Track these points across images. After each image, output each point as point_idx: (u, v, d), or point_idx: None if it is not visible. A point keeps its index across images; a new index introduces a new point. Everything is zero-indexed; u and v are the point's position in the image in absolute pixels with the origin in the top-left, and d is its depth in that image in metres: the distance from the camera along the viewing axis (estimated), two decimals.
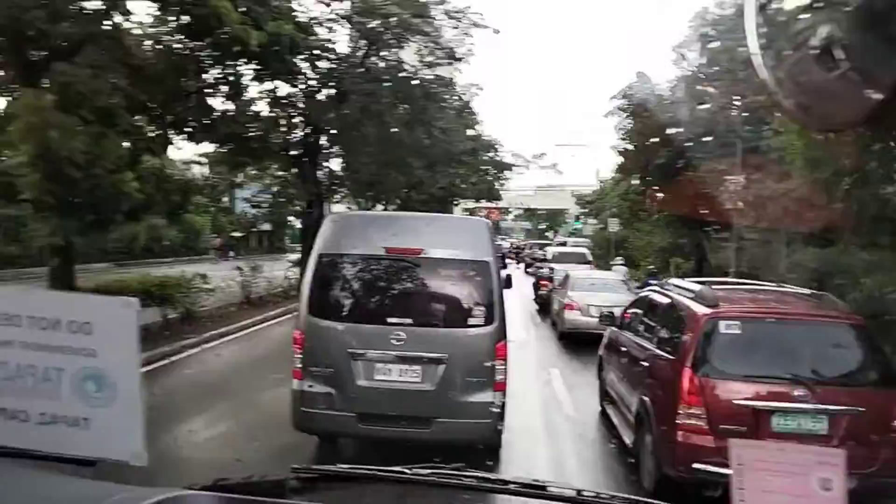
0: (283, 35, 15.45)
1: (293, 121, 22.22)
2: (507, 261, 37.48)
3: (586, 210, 45.53)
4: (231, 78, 17.66)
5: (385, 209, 33.73)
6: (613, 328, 8.92)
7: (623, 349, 7.92)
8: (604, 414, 8.73)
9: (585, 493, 1.77)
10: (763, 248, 18.20)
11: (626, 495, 1.98)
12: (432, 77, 22.68)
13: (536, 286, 22.49)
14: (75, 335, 1.55)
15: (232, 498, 1.62)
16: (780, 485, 1.54)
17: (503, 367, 6.46)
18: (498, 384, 6.42)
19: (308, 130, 22.48)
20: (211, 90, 17.44)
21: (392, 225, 7.46)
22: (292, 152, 22.98)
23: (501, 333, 6.56)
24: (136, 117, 14.71)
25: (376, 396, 6.39)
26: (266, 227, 47.31)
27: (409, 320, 6.54)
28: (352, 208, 29.96)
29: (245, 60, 16.39)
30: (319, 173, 24.09)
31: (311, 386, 6.48)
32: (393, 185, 27.96)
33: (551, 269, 22.13)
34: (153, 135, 15.90)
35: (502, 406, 6.48)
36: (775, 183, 15.20)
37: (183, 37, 14.51)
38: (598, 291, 15.73)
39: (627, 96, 25.88)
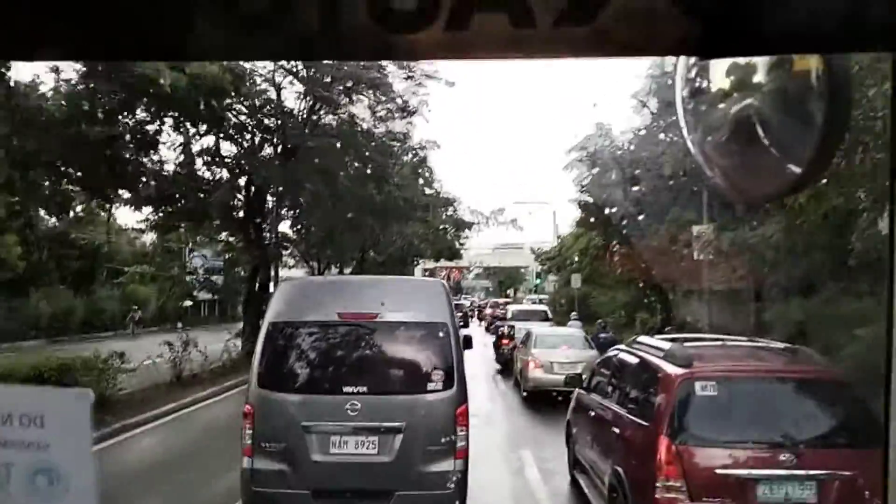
0: (207, 77, 14.18)
1: (239, 181, 21.38)
2: (469, 320, 37.94)
3: (546, 266, 45.19)
4: (146, 127, 16.30)
5: (340, 272, 33.28)
6: (581, 391, 8.61)
7: (592, 414, 7.63)
8: (574, 483, 8.41)
9: None
10: (734, 302, 17.73)
11: None
12: (385, 132, 22.48)
13: (497, 345, 22.55)
14: (27, 429, 1.56)
15: None
16: None
17: (464, 433, 6.32)
18: (459, 451, 6.24)
19: (252, 190, 21.72)
20: (122, 141, 15.98)
21: (345, 289, 7.40)
22: (239, 214, 22.08)
23: (462, 397, 6.42)
24: (25, 171, 13.12)
25: (332, 471, 6.21)
26: (211, 295, 47.00)
27: (364, 388, 6.37)
28: (306, 272, 29.57)
29: (160, 107, 15.09)
30: (267, 235, 23.31)
31: (261, 462, 6.26)
32: (346, 244, 27.44)
33: (511, 326, 22.32)
34: (47, 192, 14.75)
35: (465, 474, 6.32)
36: (748, 231, 14.78)
37: (81, 77, 13.05)
38: (562, 349, 15.89)
39: (585, 148, 25.87)
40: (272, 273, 23.46)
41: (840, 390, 5.32)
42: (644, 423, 5.64)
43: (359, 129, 21.12)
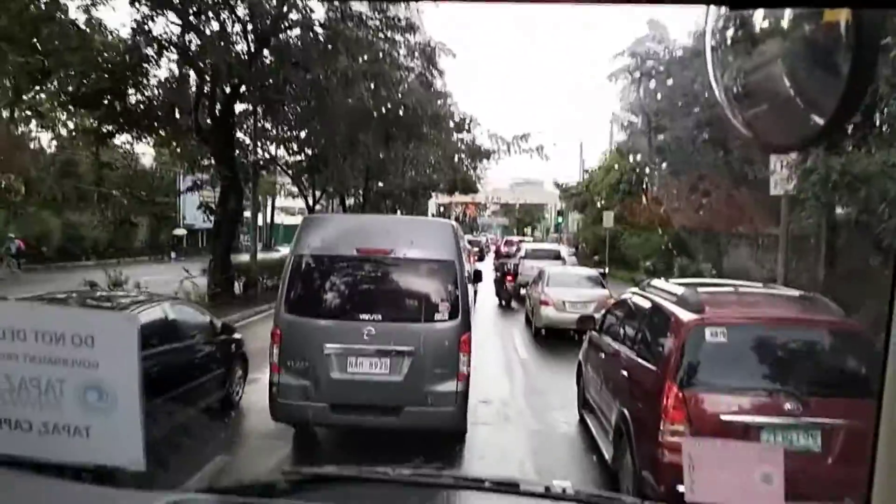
0: None
1: (201, 82, 18.20)
2: (486, 254, 37.71)
3: (570, 203, 42.78)
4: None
5: (342, 204, 31.90)
6: (594, 332, 8.87)
7: (602, 355, 7.92)
8: (583, 422, 8.71)
9: (554, 489, 2.01)
10: (812, 250, 15.92)
11: (592, 491, 2.37)
12: (381, 18, 18.86)
13: (500, 282, 23.23)
14: (78, 348, 1.69)
15: (227, 500, 1.86)
16: (726, 478, 1.78)
17: (466, 358, 7.36)
18: (461, 374, 7.30)
19: (217, 92, 18.48)
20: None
21: (363, 227, 8.49)
22: (193, 121, 18.99)
23: (465, 327, 7.46)
24: None
25: (348, 388, 7.25)
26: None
27: (378, 316, 7.41)
28: (316, 209, 28.65)
29: None
30: (239, 152, 20.87)
31: (287, 378, 7.33)
32: (344, 170, 25.33)
33: (515, 264, 23.60)
34: None
35: (466, 394, 7.42)
36: (868, 157, 12.38)
37: None
38: (574, 287, 16.63)
39: (636, 54, 22.67)
40: (259, 200, 22.77)
41: (853, 340, 5.44)
42: (652, 366, 5.84)
43: (350, 16, 17.76)
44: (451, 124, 25.83)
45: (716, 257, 21.60)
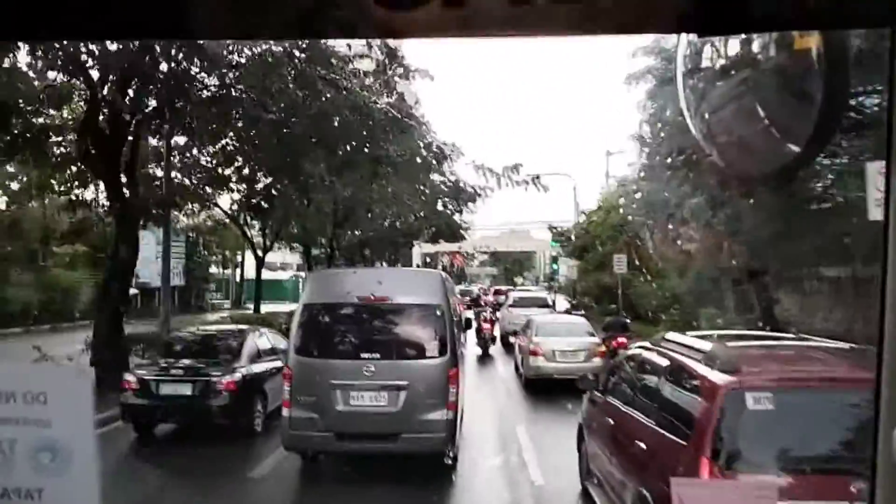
0: None
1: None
2: (482, 302, 36.32)
3: (566, 249, 40.64)
4: None
5: (307, 256, 30.48)
6: (596, 393, 8.27)
7: (610, 421, 7.33)
8: (586, 494, 8.16)
9: None
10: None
11: None
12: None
13: (478, 330, 23.10)
14: (30, 406, 1.69)
15: None
16: None
17: (455, 390, 8.76)
18: (450, 404, 8.66)
19: (100, 98, 14.84)
20: None
21: (362, 278, 10.20)
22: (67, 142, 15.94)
23: (453, 362, 8.90)
24: None
25: (352, 418, 8.63)
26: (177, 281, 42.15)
27: (377, 355, 8.85)
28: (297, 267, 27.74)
29: None
30: (126, 178, 16.39)
31: (297, 412, 8.75)
32: (295, 208, 22.44)
33: (492, 311, 25.43)
34: None
35: (455, 421, 8.82)
36: None
37: None
38: (564, 336, 16.82)
39: (663, 51, 18.73)
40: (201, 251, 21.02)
41: None
42: (679, 440, 4.98)
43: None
44: (427, 151, 21.17)
45: (757, 306, 18.22)
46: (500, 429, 12.62)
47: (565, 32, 0.99)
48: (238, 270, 50.31)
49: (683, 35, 1.15)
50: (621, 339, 17.33)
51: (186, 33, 1.17)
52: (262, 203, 22.77)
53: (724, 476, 4.47)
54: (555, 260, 42.73)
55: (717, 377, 4.99)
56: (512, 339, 21.55)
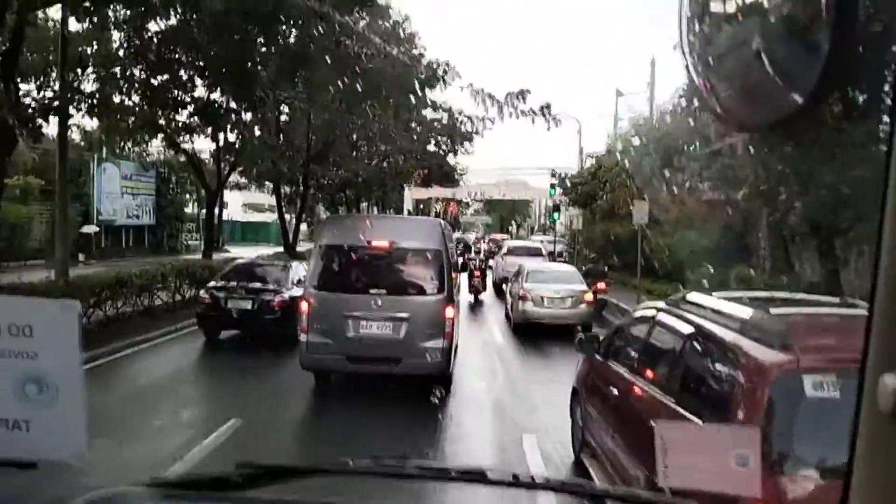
0: None
1: None
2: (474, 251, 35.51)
3: (570, 196, 37.34)
4: None
5: (278, 194, 28.71)
6: (597, 356, 7.53)
7: (613, 390, 6.62)
8: (580, 465, 7.56)
9: (521, 478, 2.10)
10: None
11: (560, 479, 2.79)
12: None
13: (470, 276, 24.00)
14: (15, 338, 1.73)
15: (173, 493, 1.93)
16: (700, 462, 1.88)
17: (450, 322, 10.38)
18: (446, 334, 10.27)
19: None
20: None
21: (372, 223, 11.66)
22: None
23: (450, 299, 10.57)
24: None
25: (361, 343, 10.22)
26: (136, 220, 38.79)
27: (383, 291, 10.39)
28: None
29: None
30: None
31: (313, 337, 10.35)
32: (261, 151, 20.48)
33: (483, 260, 25.79)
34: None
35: (450, 349, 10.44)
36: None
37: None
38: (552, 283, 17.61)
39: None
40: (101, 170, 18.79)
41: None
42: None
43: None
44: (413, 65, 18.35)
45: (819, 268, 15.91)
46: (489, 371, 13.68)
47: None
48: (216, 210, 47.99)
49: None
50: (601, 286, 19.43)
51: None
52: (202, 121, 19.33)
53: (773, 480, 3.53)
54: (555, 209, 39.94)
55: (765, 354, 4.01)
56: (504, 287, 22.69)
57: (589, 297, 17.32)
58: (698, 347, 5.08)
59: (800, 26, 1.05)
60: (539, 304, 16.88)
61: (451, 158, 29.81)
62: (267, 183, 31.66)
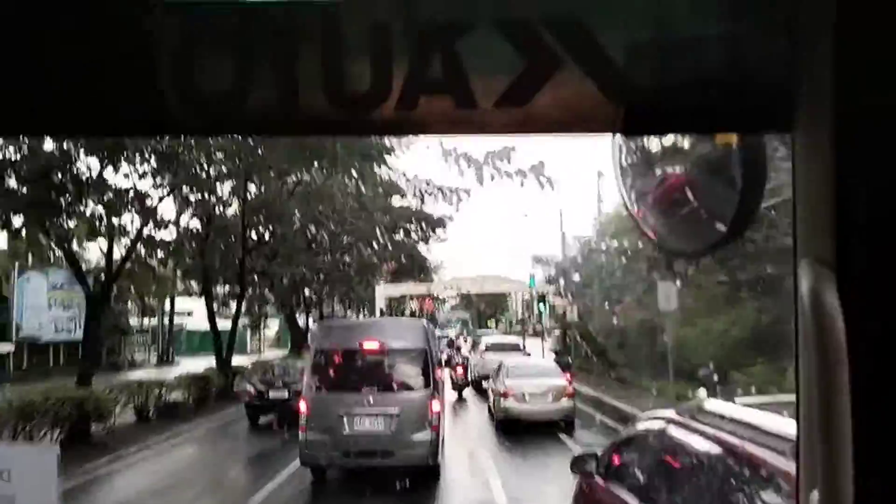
0: None
1: None
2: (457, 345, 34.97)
3: (552, 284, 36.14)
4: None
5: (209, 296, 26.99)
6: (597, 477, 6.56)
7: None
8: None
9: None
10: None
11: None
12: None
13: (452, 374, 25.01)
14: None
15: None
16: None
17: (437, 415, 11.92)
18: (433, 426, 11.74)
19: None
20: None
21: (362, 327, 15.04)
22: None
23: (434, 394, 12.16)
24: None
25: (355, 439, 11.70)
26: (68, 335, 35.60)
27: (375, 388, 11.88)
28: None
29: None
30: None
31: (312, 435, 11.83)
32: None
33: (465, 357, 27.16)
34: None
35: (437, 440, 11.98)
36: None
37: None
38: (533, 377, 18.39)
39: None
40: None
41: None
42: None
43: None
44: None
45: None
46: (472, 469, 14.55)
47: (507, 133, 1.18)
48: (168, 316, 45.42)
49: (616, 136, 1.31)
50: (566, 377, 19.71)
51: (147, 130, 1.76)
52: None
53: None
54: (541, 298, 38.20)
55: None
56: (485, 384, 23.26)
57: (570, 390, 18.29)
58: (730, 471, 4.14)
59: (716, 165, 1.21)
60: (521, 399, 17.65)
61: (423, 248, 28.02)
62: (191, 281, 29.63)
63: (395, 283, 37.73)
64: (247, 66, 1.08)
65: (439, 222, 23.03)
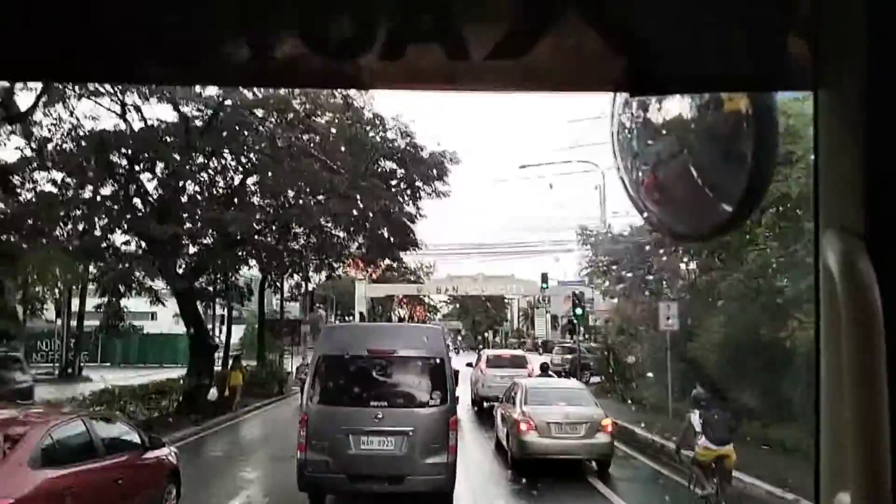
0: None
1: None
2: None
3: (601, 281, 26.26)
4: None
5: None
6: None
7: None
8: None
9: None
10: None
11: None
12: None
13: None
14: None
15: None
16: None
17: (454, 435, 11.03)
18: (451, 448, 10.87)
19: None
20: None
21: (372, 331, 14.50)
22: None
23: (453, 411, 11.28)
24: None
25: (362, 461, 10.74)
26: None
27: (385, 403, 10.94)
28: None
29: None
30: None
31: (312, 455, 10.80)
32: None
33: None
34: None
35: (454, 464, 11.05)
36: None
37: None
38: (560, 405, 15.63)
39: None
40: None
41: None
42: None
43: None
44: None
45: None
46: None
47: (502, 89, 1.16)
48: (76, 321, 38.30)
49: (618, 94, 1.23)
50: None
51: (119, 77, 1.54)
52: None
53: None
54: (577, 302, 28.98)
55: None
56: (486, 405, 22.04)
57: (608, 423, 15.20)
58: None
59: (723, 139, 1.14)
60: (546, 433, 14.73)
61: (410, 210, 19.37)
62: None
63: (380, 283, 32.36)
64: (216, 9, 1.03)
65: (440, 168, 15.15)
